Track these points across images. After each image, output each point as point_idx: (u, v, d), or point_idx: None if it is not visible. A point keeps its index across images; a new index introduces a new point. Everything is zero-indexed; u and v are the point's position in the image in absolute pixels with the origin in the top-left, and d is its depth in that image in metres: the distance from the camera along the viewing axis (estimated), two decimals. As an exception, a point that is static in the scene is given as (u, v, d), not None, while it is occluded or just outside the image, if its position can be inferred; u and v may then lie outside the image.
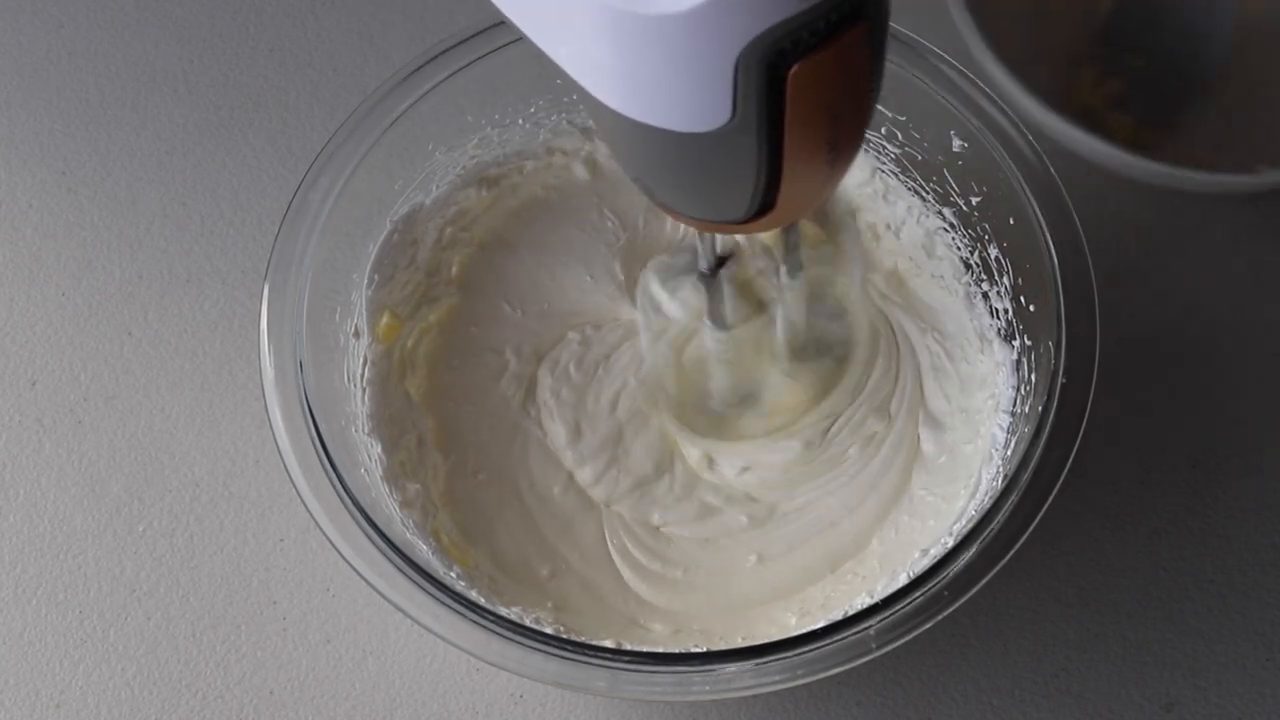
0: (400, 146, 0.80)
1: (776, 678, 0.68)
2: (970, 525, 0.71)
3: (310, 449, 0.73)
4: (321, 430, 0.73)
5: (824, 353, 0.80)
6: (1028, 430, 0.73)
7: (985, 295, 0.81)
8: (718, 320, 0.74)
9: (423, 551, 0.74)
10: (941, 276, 0.84)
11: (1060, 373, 0.73)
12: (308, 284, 0.76)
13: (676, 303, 0.75)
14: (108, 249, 0.91)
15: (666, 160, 0.56)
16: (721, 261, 0.72)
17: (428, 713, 0.81)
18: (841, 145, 0.56)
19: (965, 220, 0.81)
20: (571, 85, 0.55)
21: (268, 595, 0.83)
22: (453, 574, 0.74)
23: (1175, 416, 0.86)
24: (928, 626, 0.69)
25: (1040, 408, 0.73)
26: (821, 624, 0.69)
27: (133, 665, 0.82)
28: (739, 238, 0.72)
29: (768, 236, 0.72)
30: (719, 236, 0.71)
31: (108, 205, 0.93)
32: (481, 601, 0.70)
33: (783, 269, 0.72)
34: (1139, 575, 0.83)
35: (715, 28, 0.49)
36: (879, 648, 0.68)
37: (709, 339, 0.76)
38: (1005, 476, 0.73)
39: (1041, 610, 0.82)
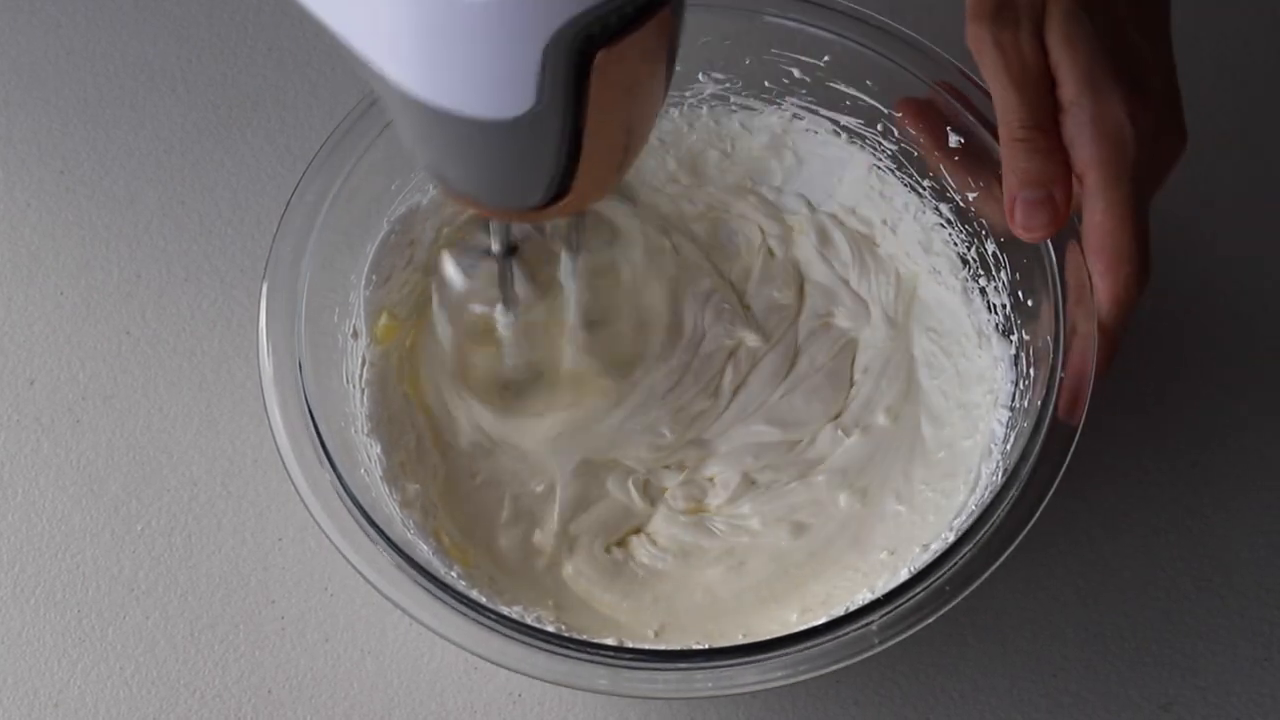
0: (397, 146, 0.80)
1: (779, 674, 0.68)
2: (971, 520, 0.71)
3: (310, 449, 0.73)
4: (321, 431, 0.73)
5: (613, 324, 0.80)
6: (1027, 425, 0.73)
7: (983, 291, 0.82)
8: (507, 302, 0.75)
9: (423, 551, 0.74)
10: (939, 272, 0.84)
11: (1059, 368, 0.73)
12: (306, 284, 0.76)
13: (466, 280, 0.75)
14: (106, 248, 0.91)
15: (465, 148, 0.56)
16: (513, 247, 0.72)
17: (426, 712, 0.81)
18: (636, 129, 0.56)
19: (962, 216, 0.81)
20: (364, 70, 0.54)
21: (266, 594, 0.83)
22: (453, 573, 0.74)
23: (1175, 416, 0.86)
24: (929, 621, 0.69)
25: (1039, 403, 0.73)
26: (823, 620, 0.69)
27: (131, 664, 0.81)
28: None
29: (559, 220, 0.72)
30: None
31: (106, 204, 0.92)
32: (483, 600, 0.70)
33: (564, 253, 0.73)
34: (1137, 574, 0.83)
35: (528, 15, 0.49)
36: (881, 643, 0.68)
37: (499, 319, 0.76)
38: (1005, 471, 0.73)
39: (1039, 609, 0.82)
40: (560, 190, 0.56)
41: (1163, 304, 0.88)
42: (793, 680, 0.68)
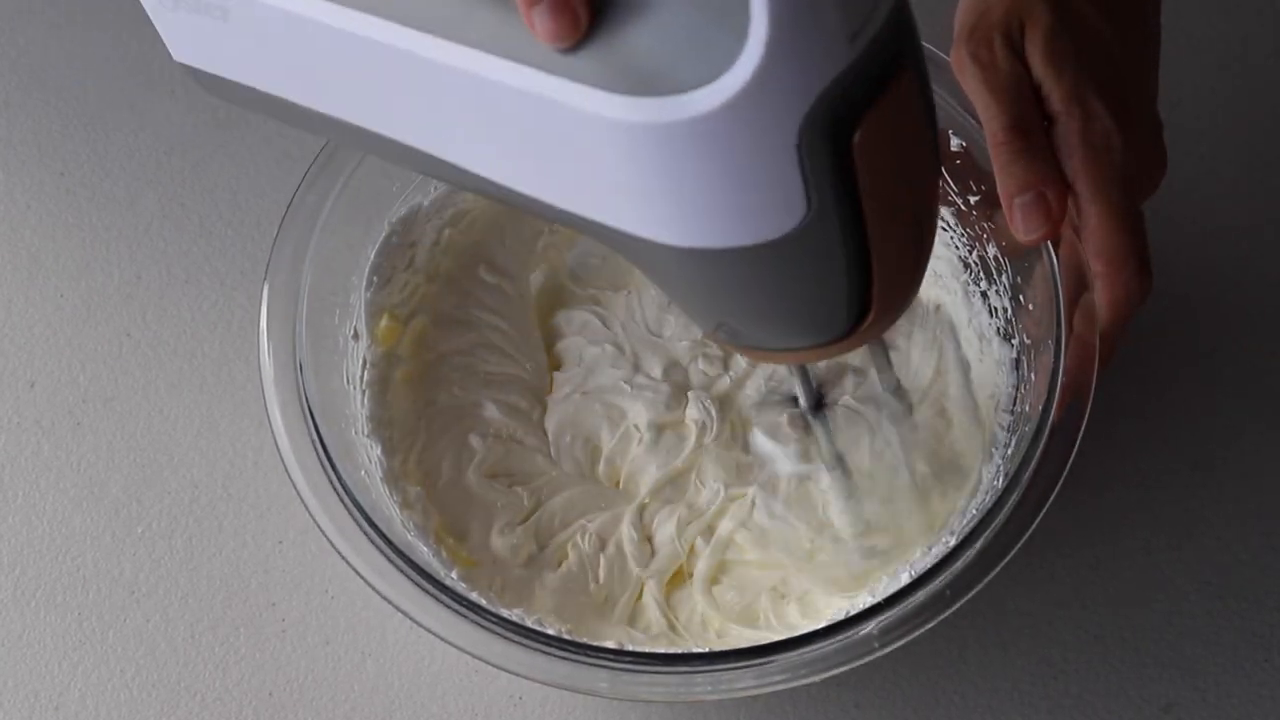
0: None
1: (778, 678, 0.68)
2: (972, 524, 0.71)
3: (310, 451, 0.73)
4: (322, 432, 0.73)
5: (950, 470, 0.77)
6: (1028, 429, 0.73)
7: (984, 294, 0.82)
8: (830, 461, 0.71)
9: (423, 553, 0.74)
10: (940, 275, 0.84)
11: (1060, 371, 0.73)
12: (307, 286, 0.76)
13: (786, 452, 0.71)
14: (106, 250, 0.91)
15: (748, 285, 0.50)
16: (820, 397, 0.67)
17: (427, 714, 0.81)
18: (920, 212, 0.51)
19: (963, 219, 0.81)
20: (622, 247, 0.49)
21: (266, 597, 0.83)
22: (453, 575, 0.74)
23: (1174, 417, 0.86)
24: (930, 625, 0.69)
25: (1041, 406, 0.73)
26: (824, 624, 0.69)
27: (131, 667, 0.81)
28: (821, 365, 0.66)
29: (855, 356, 0.66)
30: (811, 367, 0.65)
31: (106, 206, 0.92)
32: (483, 603, 0.70)
33: (878, 385, 0.69)
34: (1137, 576, 0.83)
35: (765, 108, 0.44)
36: (881, 647, 0.68)
37: (826, 481, 0.72)
38: (1006, 475, 0.73)
39: (1040, 612, 0.82)
40: (862, 307, 0.51)
41: (1162, 305, 0.88)
42: (793, 684, 0.68)
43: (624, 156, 0.46)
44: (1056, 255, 0.75)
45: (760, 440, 0.72)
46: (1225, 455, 0.86)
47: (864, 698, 0.81)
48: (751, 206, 0.47)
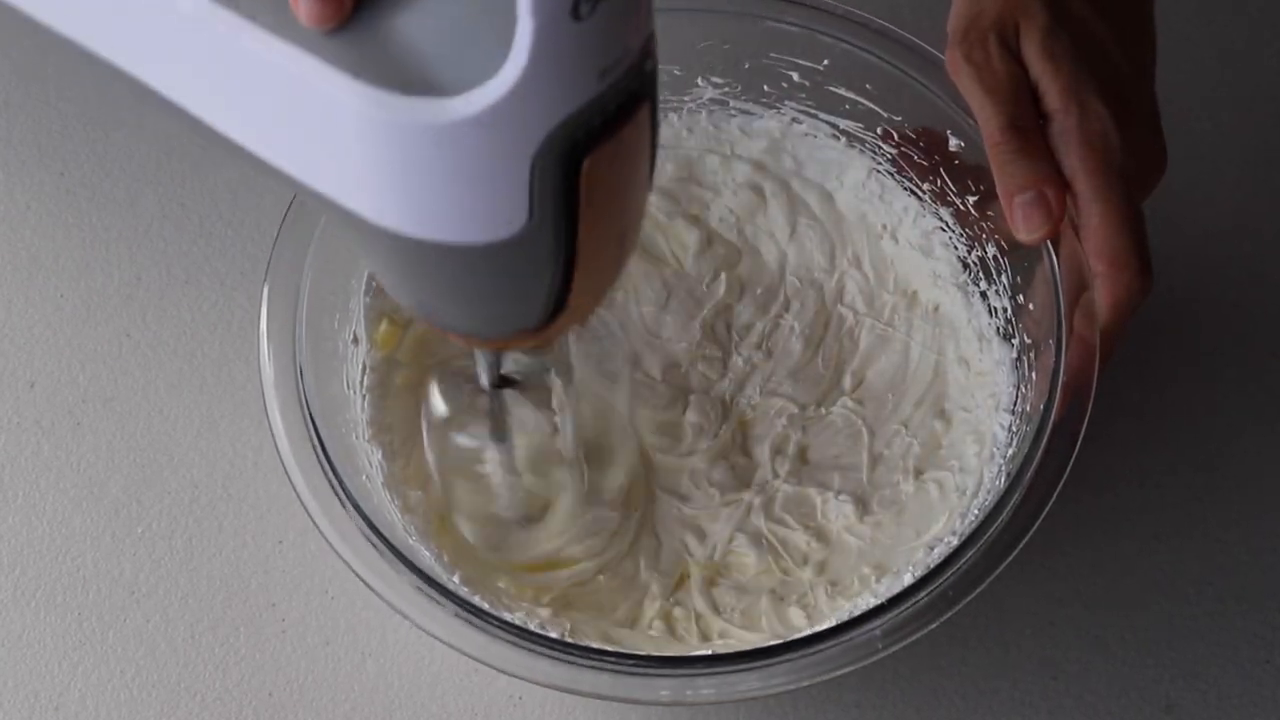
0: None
1: (781, 680, 0.68)
2: (974, 525, 0.71)
3: (311, 456, 0.73)
4: (323, 436, 0.73)
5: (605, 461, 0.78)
6: (1029, 429, 0.73)
7: (983, 294, 0.82)
8: (496, 436, 0.72)
9: (425, 558, 0.74)
10: (939, 276, 0.84)
11: (1061, 371, 0.73)
12: (307, 289, 0.76)
13: (449, 408, 0.72)
14: (106, 250, 0.91)
15: (453, 277, 0.52)
16: (504, 378, 0.68)
17: (427, 715, 0.80)
18: (628, 231, 0.54)
19: (962, 220, 0.81)
20: (329, 212, 0.50)
21: (267, 597, 0.83)
22: (455, 579, 0.74)
23: (1175, 417, 0.86)
24: (934, 626, 0.69)
25: (1042, 406, 0.73)
26: (828, 625, 0.69)
27: (131, 667, 0.81)
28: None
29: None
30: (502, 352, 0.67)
31: (106, 207, 0.92)
32: (485, 606, 0.70)
33: (554, 374, 0.70)
34: (1138, 577, 0.83)
35: (511, 128, 0.46)
36: (885, 648, 0.68)
37: (487, 454, 0.73)
38: (1008, 475, 0.73)
39: (1040, 612, 0.82)
40: (558, 307, 0.53)
41: (1162, 305, 0.88)
42: (795, 686, 0.68)
43: (364, 144, 0.47)
44: (1057, 254, 0.75)
45: (434, 395, 0.72)
46: (1225, 455, 0.86)
47: (864, 698, 0.81)
48: (477, 211, 0.48)
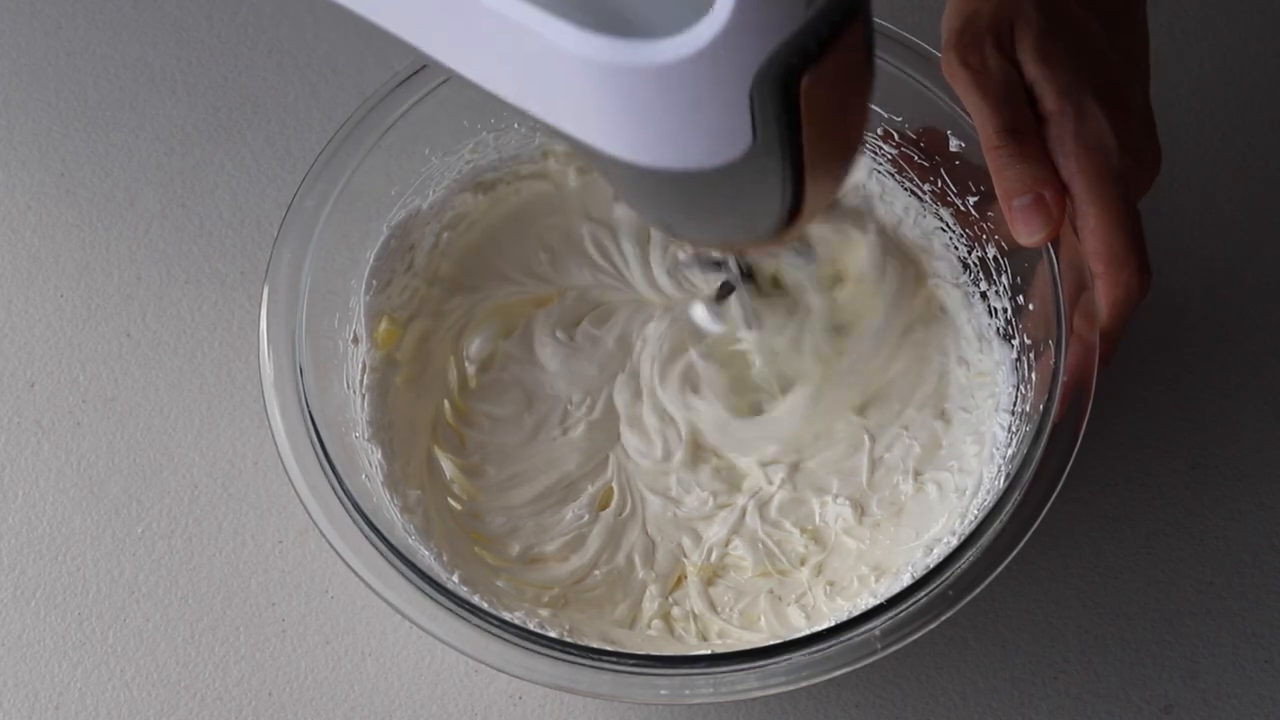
0: (397, 150, 0.80)
1: (780, 679, 0.68)
2: (973, 525, 0.71)
3: (311, 455, 0.73)
4: (322, 436, 0.73)
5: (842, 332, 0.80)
6: (1029, 430, 0.73)
7: (983, 295, 0.81)
8: (751, 323, 0.74)
9: (424, 557, 0.74)
10: (940, 276, 0.84)
11: (1061, 371, 0.73)
12: (306, 289, 0.76)
13: (719, 323, 0.74)
14: (106, 250, 0.91)
15: (689, 198, 0.55)
16: (749, 268, 0.71)
17: (426, 714, 0.81)
18: (853, 141, 0.56)
19: (963, 220, 0.81)
20: (571, 142, 0.53)
21: (266, 597, 0.83)
22: (454, 578, 0.74)
23: (1175, 416, 0.86)
24: (933, 626, 0.69)
25: (1041, 406, 0.73)
26: (826, 625, 0.69)
27: (131, 667, 0.81)
28: None
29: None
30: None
31: (106, 206, 0.92)
32: (485, 606, 0.70)
33: (796, 258, 0.72)
34: (1138, 577, 0.83)
35: (726, 61, 0.48)
36: (884, 649, 0.68)
37: (745, 339, 0.76)
38: (1007, 476, 0.73)
39: (1040, 612, 0.82)
40: (793, 215, 0.55)
41: (1162, 305, 0.88)
42: (794, 686, 0.68)
43: (591, 86, 0.50)
44: (1057, 256, 0.75)
45: (700, 315, 0.74)
46: (1225, 455, 0.85)
47: (864, 698, 0.81)
48: (701, 140, 0.51)
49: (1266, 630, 0.82)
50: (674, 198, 0.56)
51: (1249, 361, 0.88)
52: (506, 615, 0.70)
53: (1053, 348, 0.74)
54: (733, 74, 0.48)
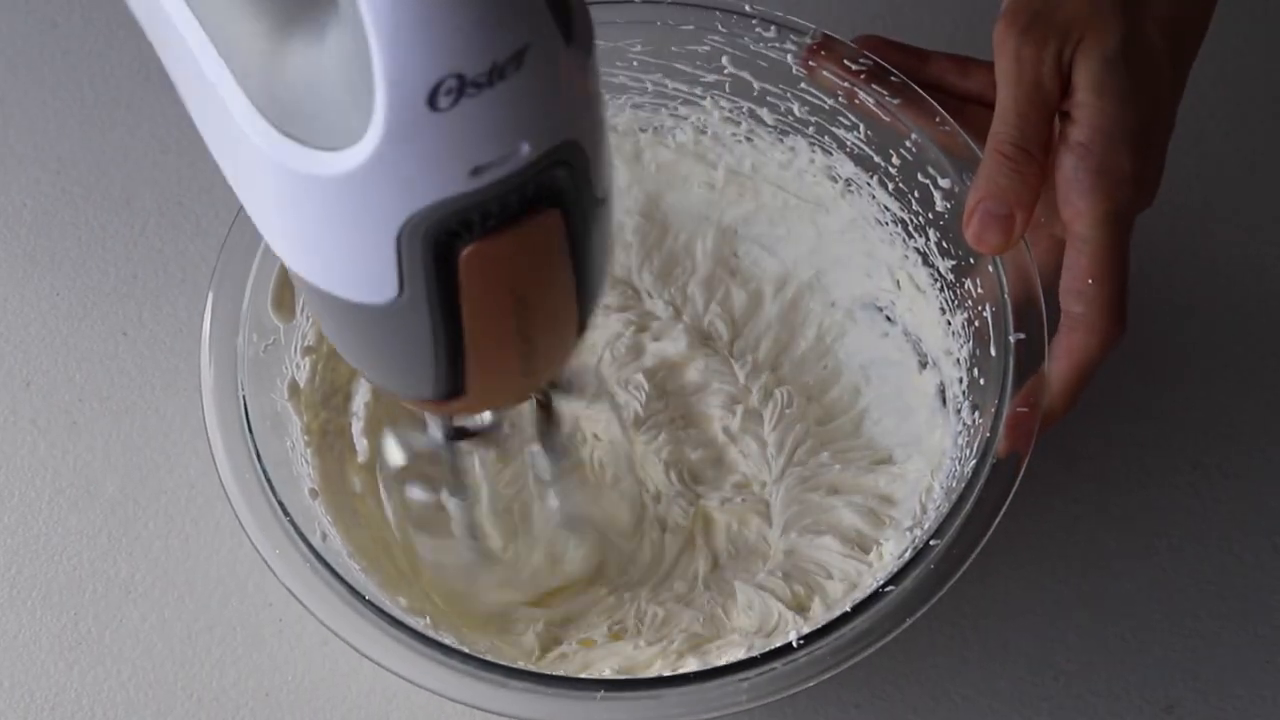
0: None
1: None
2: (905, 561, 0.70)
3: (251, 472, 0.73)
4: (264, 459, 0.72)
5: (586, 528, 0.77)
6: (971, 462, 0.72)
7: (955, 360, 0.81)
8: (454, 489, 0.71)
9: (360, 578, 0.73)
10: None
11: (998, 440, 0.72)
12: (248, 300, 0.76)
13: (406, 457, 0.71)
14: (102, 249, 0.91)
15: (347, 328, 0.53)
16: (463, 431, 0.66)
17: (425, 715, 0.80)
18: (537, 335, 0.53)
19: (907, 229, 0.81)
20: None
21: (264, 597, 0.83)
22: (425, 622, 0.73)
23: (1175, 416, 0.86)
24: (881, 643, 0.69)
25: (987, 435, 0.72)
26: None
27: (128, 667, 0.81)
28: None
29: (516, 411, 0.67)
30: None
31: (102, 205, 0.92)
32: (449, 643, 0.69)
33: (538, 451, 0.70)
34: (1138, 577, 0.83)
35: (371, 198, 0.46)
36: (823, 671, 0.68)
37: (448, 506, 0.72)
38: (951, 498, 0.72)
39: (1040, 612, 0.82)
40: (453, 389, 0.53)
41: (1163, 305, 0.88)
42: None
43: (256, 172, 0.48)
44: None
45: (389, 443, 0.71)
46: (1226, 455, 0.85)
47: (864, 698, 0.81)
48: (350, 270, 0.49)
49: (1268, 630, 0.82)
50: (335, 322, 0.53)
51: (1249, 361, 0.88)
52: (472, 649, 0.70)
53: (998, 386, 0.73)
54: (377, 214, 0.47)
